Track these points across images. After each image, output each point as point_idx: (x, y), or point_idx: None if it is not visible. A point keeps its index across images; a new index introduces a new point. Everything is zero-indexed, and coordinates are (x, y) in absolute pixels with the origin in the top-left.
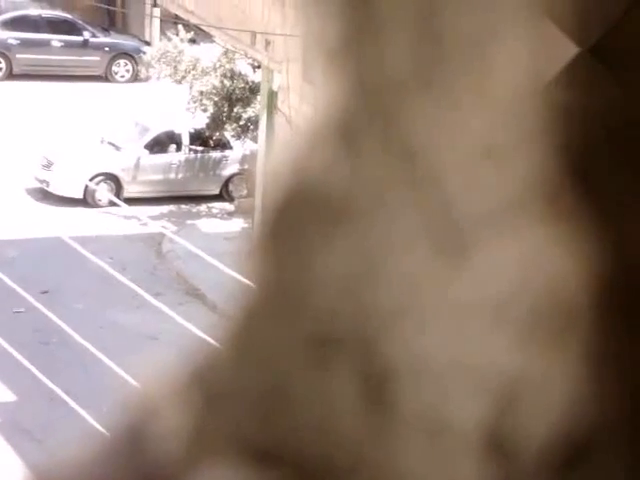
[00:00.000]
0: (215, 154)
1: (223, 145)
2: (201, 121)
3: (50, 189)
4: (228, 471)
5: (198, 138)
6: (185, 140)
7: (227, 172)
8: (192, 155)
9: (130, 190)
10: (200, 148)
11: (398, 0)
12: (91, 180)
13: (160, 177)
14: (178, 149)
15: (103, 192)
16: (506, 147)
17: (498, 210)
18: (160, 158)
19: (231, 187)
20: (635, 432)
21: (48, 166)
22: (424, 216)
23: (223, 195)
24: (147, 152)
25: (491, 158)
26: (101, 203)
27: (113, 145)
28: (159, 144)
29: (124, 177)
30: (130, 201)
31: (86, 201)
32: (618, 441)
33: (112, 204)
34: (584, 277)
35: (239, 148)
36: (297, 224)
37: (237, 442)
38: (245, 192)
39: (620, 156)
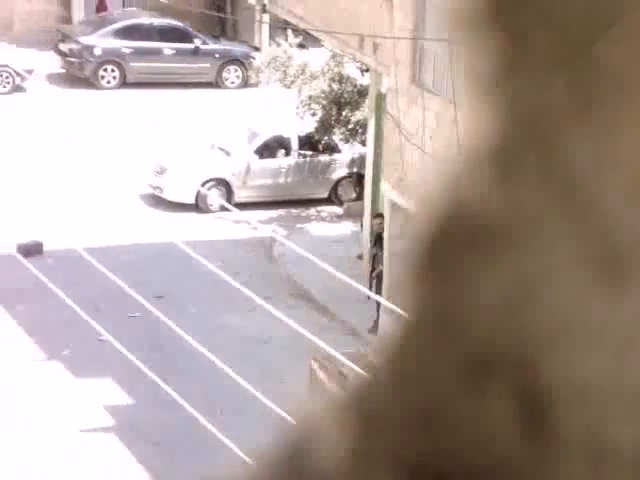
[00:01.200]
0: (324, 158)
1: (332, 149)
2: (310, 125)
3: (163, 195)
4: None
5: (307, 142)
6: (294, 144)
7: (336, 175)
8: (301, 159)
9: (240, 195)
10: (309, 152)
11: (556, 32)
12: (203, 186)
13: (270, 182)
14: (287, 154)
15: (214, 197)
16: None
17: None
18: (270, 163)
19: (340, 190)
20: None
21: (161, 172)
22: (583, 243)
23: (332, 199)
24: (257, 157)
25: None
26: (213, 208)
27: (223, 151)
28: (268, 149)
29: (235, 182)
30: (240, 206)
31: (198, 206)
32: None
33: (223, 209)
34: None
35: (348, 151)
36: (454, 251)
37: (394, 462)
38: (354, 195)
39: None
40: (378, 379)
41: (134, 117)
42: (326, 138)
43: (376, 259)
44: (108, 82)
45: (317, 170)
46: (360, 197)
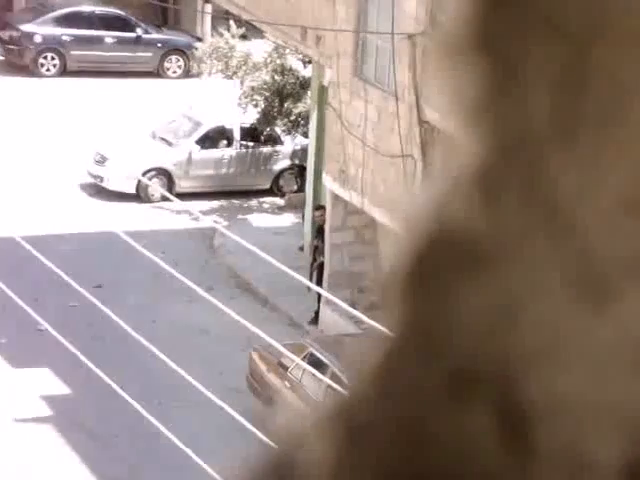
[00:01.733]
0: (266, 149)
1: (274, 140)
2: (252, 116)
3: (104, 184)
4: None
5: (249, 133)
6: (236, 135)
7: (278, 167)
8: (243, 150)
9: (182, 185)
10: (251, 143)
11: (541, 59)
12: (144, 175)
13: (211, 172)
14: (229, 144)
15: (155, 187)
16: None
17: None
18: (211, 153)
19: (282, 182)
20: None
21: (101, 162)
22: (565, 265)
23: (274, 190)
24: (198, 147)
25: (632, 210)
26: (153, 198)
27: (165, 141)
28: (210, 139)
29: (176, 172)
30: (182, 196)
31: (139, 196)
32: None
33: (165, 199)
34: None
35: (289, 143)
36: (437, 269)
37: (378, 474)
38: (295, 187)
39: None
40: (363, 391)
41: (74, 106)
42: (268, 129)
43: (317, 251)
44: (48, 70)
45: (259, 161)
46: (302, 189)
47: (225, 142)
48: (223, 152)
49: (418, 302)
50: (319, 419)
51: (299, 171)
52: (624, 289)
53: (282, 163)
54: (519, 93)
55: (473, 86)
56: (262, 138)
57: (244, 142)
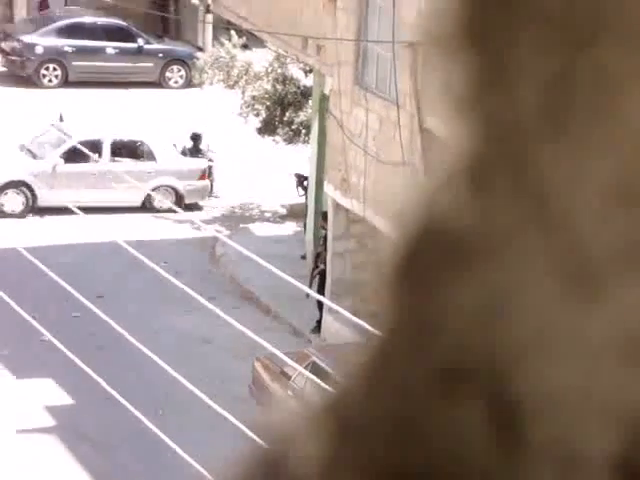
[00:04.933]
0: (138, 165)
1: (148, 156)
2: (244, 126)
3: None
4: None
5: (122, 148)
6: (106, 150)
7: (151, 184)
8: (112, 165)
9: (44, 199)
10: (124, 159)
11: (530, 51)
12: (3, 188)
13: (76, 187)
14: (98, 158)
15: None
16: (638, 191)
17: (630, 250)
18: (77, 167)
19: (156, 199)
20: None
21: None
22: (555, 258)
23: (147, 206)
24: (63, 161)
25: (623, 201)
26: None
27: (31, 153)
28: (80, 153)
29: (38, 185)
30: (47, 210)
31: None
32: None
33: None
34: None
35: (165, 160)
36: (428, 264)
37: (368, 469)
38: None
39: None
40: (353, 386)
41: (76, 116)
42: (140, 144)
43: (319, 258)
44: (50, 81)
45: (130, 177)
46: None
47: (94, 156)
48: (91, 166)
49: (409, 296)
50: (309, 417)
51: (300, 180)
52: (615, 281)
53: (156, 181)
54: (507, 85)
55: (461, 79)
56: (138, 153)
57: (116, 157)
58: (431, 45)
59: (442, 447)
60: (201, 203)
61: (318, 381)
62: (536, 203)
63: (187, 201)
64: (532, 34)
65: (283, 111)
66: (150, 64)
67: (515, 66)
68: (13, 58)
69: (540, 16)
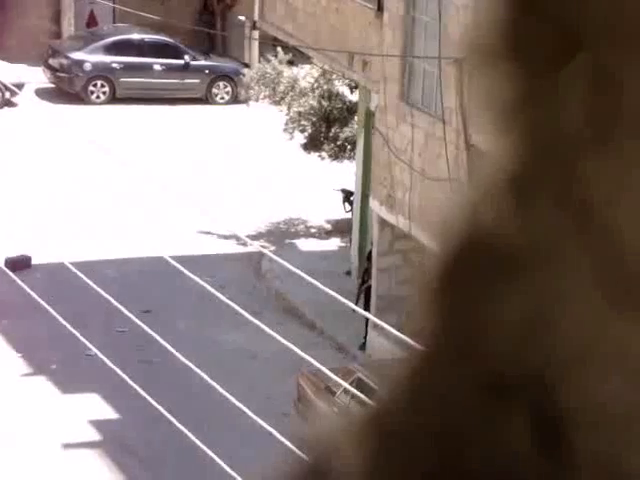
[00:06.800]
0: None
1: None
2: (299, 141)
3: None
4: None
5: None
6: None
7: None
8: None
9: None
10: None
11: (576, 63)
12: None
13: None
14: None
15: None
16: None
17: None
18: None
19: None
20: None
21: None
22: (600, 269)
23: None
24: None
25: None
26: None
27: None
28: None
29: None
30: None
31: None
32: None
33: None
34: None
35: None
36: (471, 273)
37: (411, 479)
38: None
39: None
40: (396, 397)
41: (124, 132)
42: None
43: (367, 273)
44: (98, 97)
45: None
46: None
47: None
48: None
49: (455, 306)
50: (352, 427)
51: (346, 196)
52: None
53: None
54: (553, 97)
55: (506, 92)
56: None
57: None
58: (477, 58)
59: (488, 458)
60: None
61: (363, 397)
62: (581, 214)
63: None
64: (576, 46)
65: (329, 127)
66: (196, 80)
67: (560, 78)
68: (61, 75)
69: (582, 29)
